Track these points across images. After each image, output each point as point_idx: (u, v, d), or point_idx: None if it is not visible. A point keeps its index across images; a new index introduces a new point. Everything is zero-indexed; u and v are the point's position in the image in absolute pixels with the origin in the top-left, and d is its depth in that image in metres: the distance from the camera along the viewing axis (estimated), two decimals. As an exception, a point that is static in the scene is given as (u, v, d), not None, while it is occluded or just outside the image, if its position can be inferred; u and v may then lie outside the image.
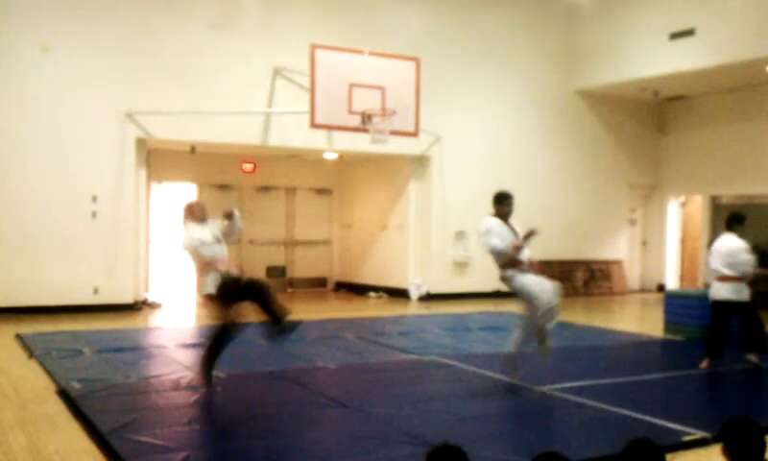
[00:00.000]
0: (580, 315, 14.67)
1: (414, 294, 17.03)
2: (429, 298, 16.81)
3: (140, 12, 14.26)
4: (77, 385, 7.87)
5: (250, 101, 14.79)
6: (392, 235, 17.95)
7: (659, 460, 3.35)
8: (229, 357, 8.24)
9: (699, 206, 19.15)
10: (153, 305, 15.01)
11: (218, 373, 8.19)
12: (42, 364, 9.10)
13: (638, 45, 16.82)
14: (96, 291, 13.99)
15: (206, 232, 7.88)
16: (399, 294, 17.29)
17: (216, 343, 7.80)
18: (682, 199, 19.92)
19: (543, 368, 8.37)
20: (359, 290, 18.52)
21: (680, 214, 20.06)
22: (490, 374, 8.85)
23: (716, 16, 15.23)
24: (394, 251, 17.81)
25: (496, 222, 8.22)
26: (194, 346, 10.64)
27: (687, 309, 12.21)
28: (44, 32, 13.53)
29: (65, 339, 10.83)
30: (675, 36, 15.95)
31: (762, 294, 15.06)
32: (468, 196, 17.15)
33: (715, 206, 18.53)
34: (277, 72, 15.05)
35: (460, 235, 17.15)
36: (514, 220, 8.40)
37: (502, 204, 8.29)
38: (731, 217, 9.37)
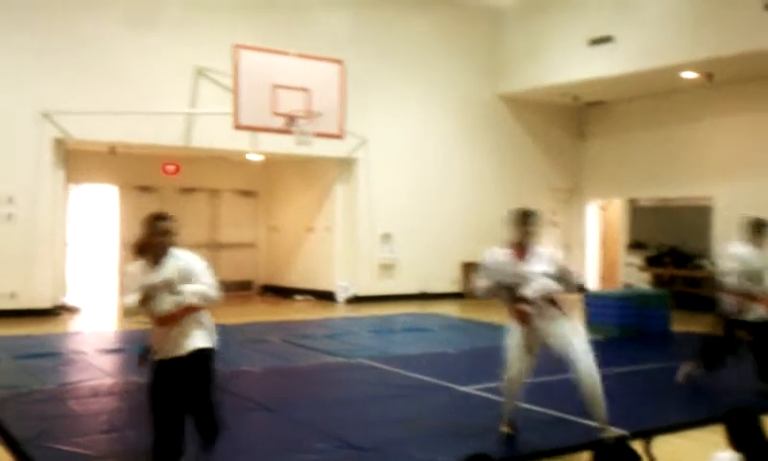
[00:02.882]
0: (503, 316, 14.84)
1: (340, 296, 17.01)
2: (356, 300, 16.82)
3: (57, 9, 13.87)
4: (-9, 393, 7.64)
5: (171, 101, 14.54)
6: (318, 238, 17.90)
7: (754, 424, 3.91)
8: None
9: (618, 208, 19.63)
10: (72, 310, 14.63)
11: (139, 379, 8.01)
12: (-46, 372, 8.80)
13: (558, 51, 17.15)
14: (13, 296, 13.56)
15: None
16: (326, 297, 17.25)
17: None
18: (601, 202, 20.39)
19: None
20: (285, 293, 18.40)
21: (600, 217, 20.53)
22: (415, 375, 8.90)
23: (634, 24, 15.64)
24: (320, 253, 17.76)
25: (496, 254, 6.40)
26: (114, 351, 10.44)
27: (607, 309, 12.52)
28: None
29: (-21, 346, 10.48)
30: (594, 42, 16.31)
31: (678, 294, 15.56)
32: (395, 198, 17.28)
33: (634, 208, 19.03)
34: (200, 72, 14.85)
35: (386, 238, 17.22)
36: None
37: (525, 225, 6.32)
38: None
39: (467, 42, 18.38)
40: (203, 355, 5.35)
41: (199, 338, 5.36)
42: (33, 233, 13.74)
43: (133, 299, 5.27)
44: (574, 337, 6.28)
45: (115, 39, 14.24)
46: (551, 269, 6.26)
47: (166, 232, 5.31)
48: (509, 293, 6.27)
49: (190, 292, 5.24)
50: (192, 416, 5.38)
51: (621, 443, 3.56)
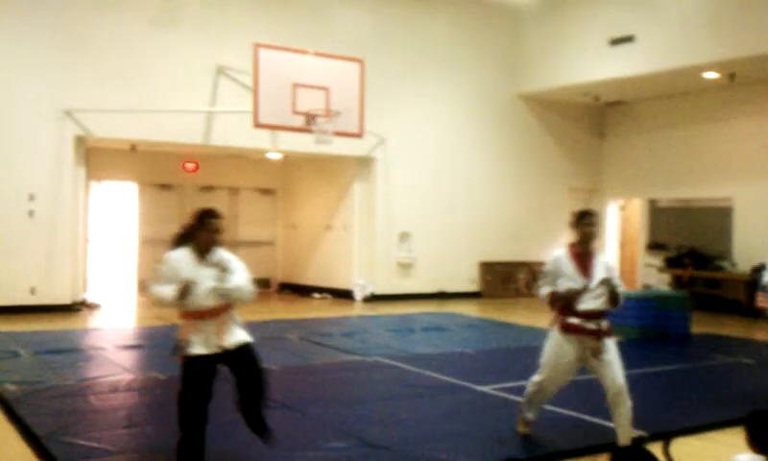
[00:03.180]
0: (522, 316, 14.84)
1: (358, 295, 17.02)
2: (373, 299, 16.82)
3: (79, 8, 13.98)
4: (12, 387, 7.69)
5: (191, 99, 14.61)
6: (336, 236, 17.92)
7: None
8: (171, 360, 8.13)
9: (638, 209, 19.53)
10: (91, 306, 14.72)
11: (158, 375, 8.06)
12: (-24, 366, 8.86)
13: (580, 51, 17.07)
14: (33, 291, 13.68)
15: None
16: (344, 295, 17.27)
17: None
18: (621, 202, 20.29)
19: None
20: (303, 291, 18.44)
21: (619, 217, 20.42)
22: (432, 374, 8.89)
23: (655, 24, 15.55)
24: (338, 252, 17.78)
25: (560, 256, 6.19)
26: (133, 347, 10.50)
27: (626, 310, 12.37)
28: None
29: (0, 340, 10.57)
30: (615, 42, 16.23)
31: (698, 295, 15.45)
32: (413, 197, 17.27)
33: (653, 209, 18.92)
34: (220, 71, 14.90)
35: (404, 237, 17.21)
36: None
37: (583, 225, 6.18)
38: None
39: (486, 41, 18.33)
40: (249, 349, 5.35)
41: (240, 333, 5.36)
42: (53, 230, 13.84)
43: (171, 291, 5.18)
44: (618, 366, 6.12)
45: (136, 38, 14.33)
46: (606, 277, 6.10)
47: (217, 231, 5.30)
48: (564, 302, 6.10)
49: (234, 287, 5.24)
50: (243, 408, 5.40)
51: (639, 445, 3.53)
